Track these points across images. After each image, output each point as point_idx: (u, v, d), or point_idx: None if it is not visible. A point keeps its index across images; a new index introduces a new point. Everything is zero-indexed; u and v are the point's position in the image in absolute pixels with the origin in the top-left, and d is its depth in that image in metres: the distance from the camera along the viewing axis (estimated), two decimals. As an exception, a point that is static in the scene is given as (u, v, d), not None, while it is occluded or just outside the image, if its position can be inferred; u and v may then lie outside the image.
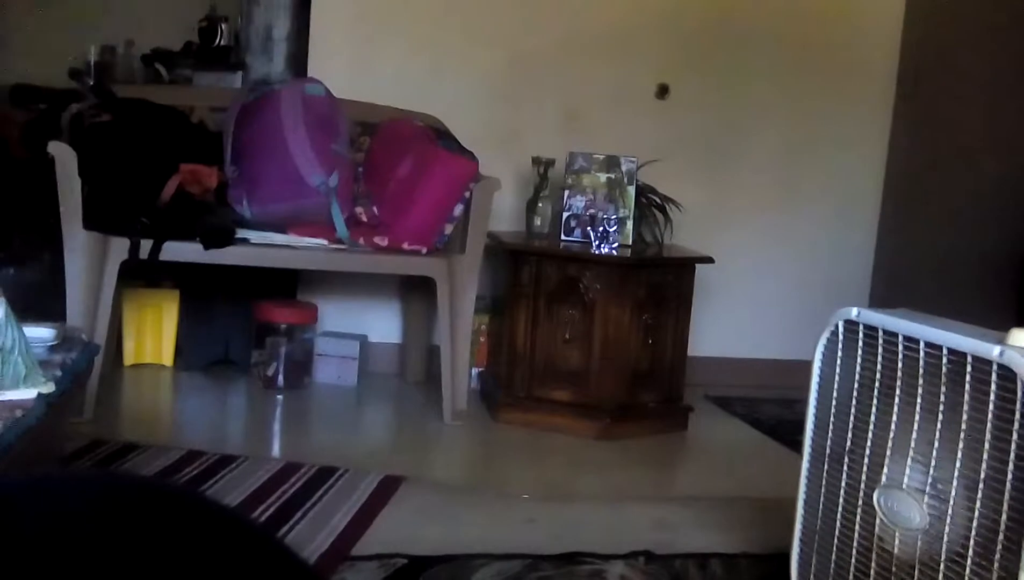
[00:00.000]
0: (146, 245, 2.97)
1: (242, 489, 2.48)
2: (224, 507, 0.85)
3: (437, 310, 3.29)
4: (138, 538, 0.74)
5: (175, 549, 0.75)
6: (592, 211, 3.46)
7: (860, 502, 1.80)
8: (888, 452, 1.74)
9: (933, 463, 1.64)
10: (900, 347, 1.71)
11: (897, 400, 1.72)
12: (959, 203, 4.27)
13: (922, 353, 1.67)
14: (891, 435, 1.73)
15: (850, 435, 1.84)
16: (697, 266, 3.48)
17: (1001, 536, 1.51)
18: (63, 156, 2.91)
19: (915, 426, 1.68)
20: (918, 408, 1.68)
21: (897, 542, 1.71)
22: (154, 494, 0.83)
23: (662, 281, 3.35)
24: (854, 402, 1.83)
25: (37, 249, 3.43)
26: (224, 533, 0.80)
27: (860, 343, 1.81)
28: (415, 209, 3.23)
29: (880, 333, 1.76)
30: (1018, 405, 1.49)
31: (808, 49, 4.10)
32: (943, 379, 1.63)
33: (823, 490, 1.91)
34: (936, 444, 1.64)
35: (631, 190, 3.51)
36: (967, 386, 1.58)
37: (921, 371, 1.67)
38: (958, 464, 1.59)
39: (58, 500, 0.76)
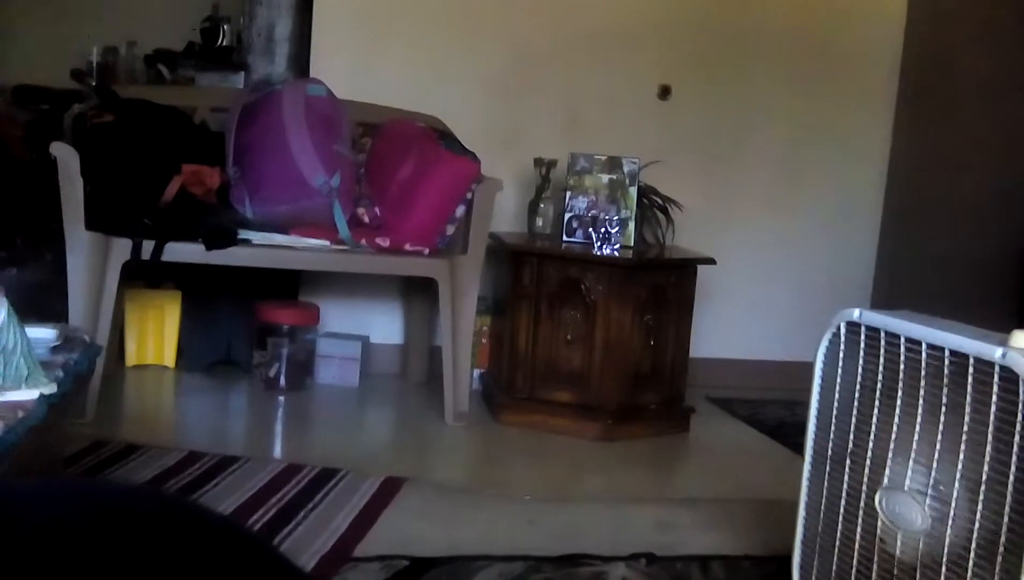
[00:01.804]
0: (148, 246, 2.97)
1: (244, 490, 2.48)
2: (219, 515, 0.85)
3: (439, 311, 3.29)
4: (134, 547, 0.74)
5: (170, 558, 0.75)
6: (594, 212, 3.46)
7: (862, 504, 1.80)
8: (890, 454, 1.74)
9: (935, 465, 1.64)
10: (902, 348, 1.71)
11: (899, 402, 1.72)
12: (961, 204, 4.27)
13: (924, 354, 1.66)
14: (893, 437, 1.73)
15: (852, 437, 1.84)
16: (699, 267, 3.48)
17: (1003, 538, 1.51)
18: (65, 156, 2.91)
19: (917, 428, 1.68)
20: (920, 410, 1.68)
21: (899, 544, 1.71)
22: (149, 503, 0.83)
23: (664, 282, 3.35)
24: (856, 403, 1.82)
25: (39, 249, 3.43)
26: (219, 541, 0.80)
27: (862, 344, 1.81)
28: (417, 210, 3.23)
29: (882, 334, 1.76)
30: (1020, 407, 1.49)
31: (810, 51, 4.09)
32: (945, 381, 1.63)
33: (825, 492, 1.91)
34: (938, 446, 1.64)
35: (633, 191, 3.51)
36: (969, 388, 1.58)
37: (923, 373, 1.67)
38: (960, 466, 1.59)
39: (54, 509, 0.76)
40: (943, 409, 1.63)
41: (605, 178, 3.50)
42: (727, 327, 4.09)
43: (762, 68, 4.07)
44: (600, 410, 3.27)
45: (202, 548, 0.77)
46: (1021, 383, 1.48)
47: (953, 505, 1.60)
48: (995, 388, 1.53)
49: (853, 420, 1.83)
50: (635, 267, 3.31)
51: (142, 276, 3.58)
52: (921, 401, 1.68)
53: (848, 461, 1.84)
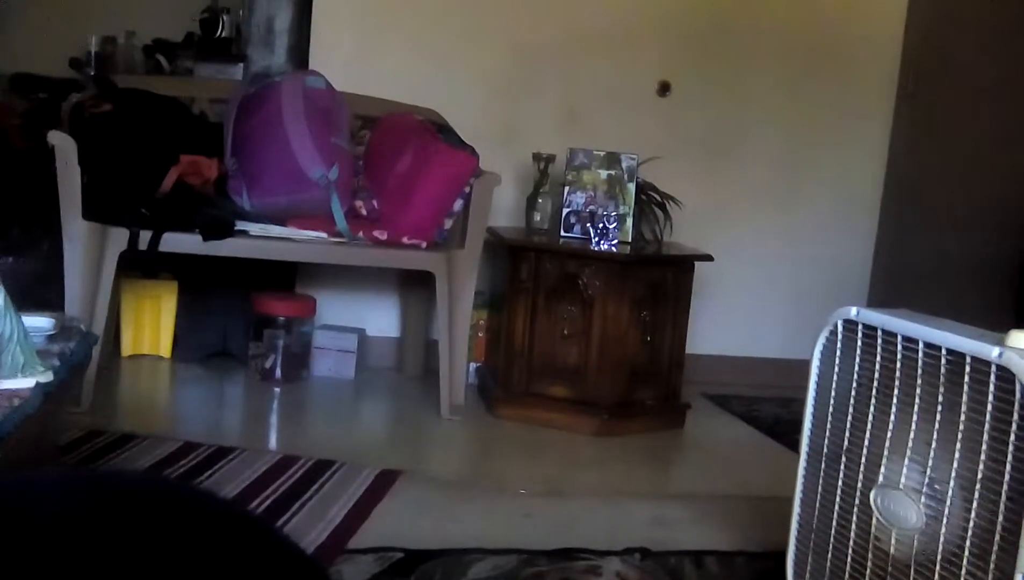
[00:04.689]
0: (145, 236, 2.97)
1: (239, 481, 2.48)
2: (226, 501, 0.85)
3: (436, 304, 3.29)
4: (142, 535, 0.74)
5: (180, 544, 0.75)
6: (592, 207, 3.46)
7: (857, 501, 1.80)
8: (885, 452, 1.74)
9: (930, 463, 1.64)
10: (899, 347, 1.71)
11: (895, 400, 1.72)
12: (959, 204, 4.27)
13: (921, 353, 1.67)
14: (888, 435, 1.73)
15: (847, 434, 1.84)
16: (696, 264, 3.48)
17: (997, 537, 1.51)
18: (63, 146, 2.90)
19: (913, 426, 1.68)
20: (916, 408, 1.68)
21: (893, 542, 1.71)
22: (157, 490, 0.83)
23: (661, 278, 3.35)
24: (852, 401, 1.83)
25: (36, 239, 3.42)
26: (228, 527, 0.80)
27: (859, 343, 1.81)
28: (415, 203, 3.22)
29: (879, 333, 1.76)
30: (1016, 406, 1.49)
31: (810, 49, 4.09)
32: (941, 379, 1.63)
33: (820, 489, 1.91)
34: (933, 444, 1.64)
35: (631, 187, 3.51)
36: (965, 387, 1.58)
37: (919, 371, 1.67)
38: (955, 464, 1.59)
39: (61, 499, 0.76)
40: (939, 408, 1.63)
41: (603, 174, 3.50)
42: (724, 324, 4.09)
43: (761, 66, 4.07)
44: (596, 405, 3.27)
45: (213, 533, 0.78)
46: (1017, 383, 1.48)
47: (948, 503, 1.60)
48: (991, 387, 1.53)
49: (849, 418, 1.83)
50: (632, 263, 3.31)
51: (139, 266, 3.57)
52: (917, 400, 1.68)
53: (843, 459, 1.84)
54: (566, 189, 3.51)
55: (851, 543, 1.81)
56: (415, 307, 3.81)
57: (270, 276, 3.63)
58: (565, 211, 3.50)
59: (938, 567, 1.61)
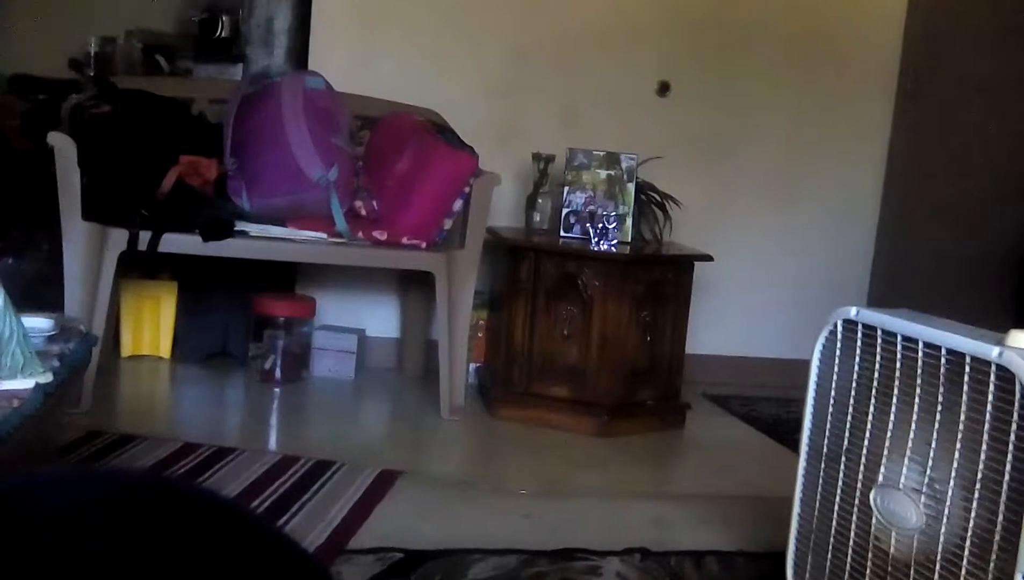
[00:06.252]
0: (145, 236, 2.97)
1: (239, 482, 2.48)
2: (227, 499, 0.85)
3: (435, 305, 3.29)
4: (144, 533, 0.74)
5: (182, 543, 0.75)
6: (592, 207, 3.46)
7: (857, 501, 1.80)
8: (885, 451, 1.74)
9: (930, 463, 1.64)
10: (899, 347, 1.71)
11: (895, 400, 1.72)
12: (959, 203, 4.27)
13: (920, 353, 1.67)
14: (888, 435, 1.73)
15: (847, 434, 1.84)
16: (696, 264, 3.48)
17: (997, 536, 1.51)
18: (63, 146, 2.90)
19: (912, 426, 1.68)
20: (916, 408, 1.68)
21: (893, 542, 1.71)
22: (159, 488, 0.83)
23: (661, 278, 3.35)
24: (852, 401, 1.83)
25: (36, 239, 3.43)
26: (229, 526, 0.80)
27: (859, 343, 1.81)
28: (414, 203, 3.22)
29: (879, 333, 1.76)
30: (1016, 406, 1.49)
31: (809, 48, 4.09)
32: (941, 379, 1.63)
33: (820, 489, 1.91)
34: (933, 444, 1.64)
35: (631, 187, 3.51)
36: (965, 386, 1.58)
37: (919, 371, 1.67)
38: (955, 464, 1.59)
39: (62, 497, 0.76)
40: (939, 407, 1.63)
41: (603, 174, 3.50)
42: (724, 324, 4.09)
43: (761, 66, 4.07)
44: (596, 406, 3.27)
45: (220, 534, 0.78)
46: (1017, 382, 1.48)
47: (948, 503, 1.60)
48: (991, 387, 1.53)
49: (849, 418, 1.83)
50: (632, 263, 3.30)
51: (138, 267, 3.57)
52: (917, 399, 1.68)
53: (843, 458, 1.84)
54: (566, 189, 3.51)
55: (851, 543, 1.81)
56: (415, 307, 3.81)
57: (270, 277, 3.63)
58: (565, 211, 3.50)
59: (938, 567, 1.61)
